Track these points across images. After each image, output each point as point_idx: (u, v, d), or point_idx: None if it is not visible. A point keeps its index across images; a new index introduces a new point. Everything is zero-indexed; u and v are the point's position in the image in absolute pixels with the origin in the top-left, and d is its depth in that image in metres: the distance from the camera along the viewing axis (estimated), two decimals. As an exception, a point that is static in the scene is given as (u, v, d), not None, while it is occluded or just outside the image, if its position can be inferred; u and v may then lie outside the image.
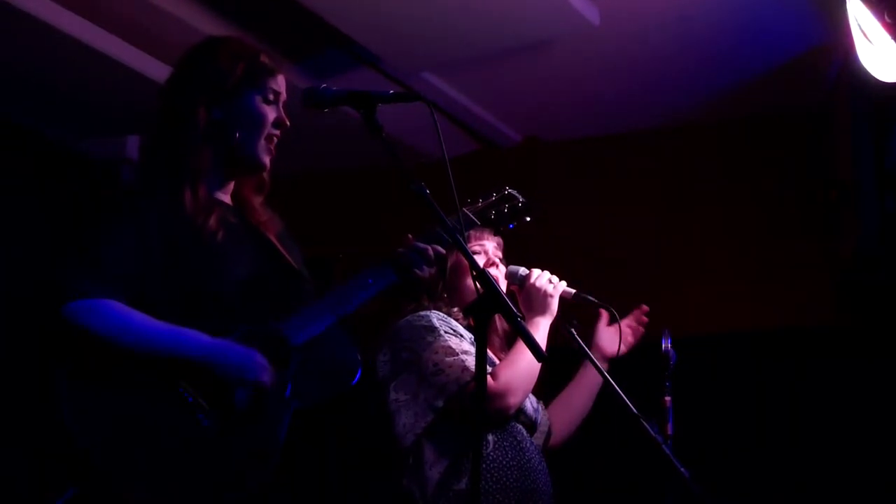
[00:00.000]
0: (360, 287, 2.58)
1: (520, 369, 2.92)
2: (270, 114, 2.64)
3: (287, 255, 2.67)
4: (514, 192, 2.99)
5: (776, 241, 5.06)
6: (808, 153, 5.02)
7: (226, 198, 2.68)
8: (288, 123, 2.67)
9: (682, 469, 2.93)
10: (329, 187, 5.77)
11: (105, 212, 2.50)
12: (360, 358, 2.57)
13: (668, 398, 3.19)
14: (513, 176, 5.05)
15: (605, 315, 3.37)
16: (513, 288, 3.18)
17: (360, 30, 4.26)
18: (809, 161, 5.00)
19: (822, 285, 4.87)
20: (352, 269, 2.66)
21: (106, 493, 2.24)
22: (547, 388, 3.28)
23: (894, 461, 4.58)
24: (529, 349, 2.29)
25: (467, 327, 3.07)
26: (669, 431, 3.14)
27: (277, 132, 2.66)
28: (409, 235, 2.67)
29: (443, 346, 2.92)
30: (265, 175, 2.72)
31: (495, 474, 2.88)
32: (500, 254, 3.23)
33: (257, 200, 2.73)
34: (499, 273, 3.17)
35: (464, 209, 2.84)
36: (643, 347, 3.36)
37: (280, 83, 2.68)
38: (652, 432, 2.97)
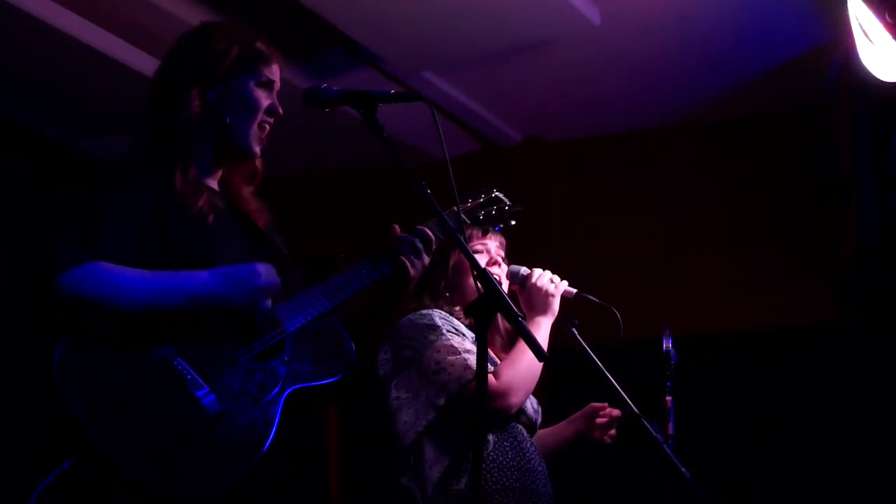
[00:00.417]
0: (355, 276, 2.57)
1: (521, 369, 2.92)
2: (264, 100, 2.60)
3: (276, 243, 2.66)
4: (502, 196, 2.98)
5: (776, 241, 5.06)
6: (808, 153, 5.03)
7: (213, 184, 2.64)
8: (281, 111, 2.63)
9: (682, 469, 2.93)
10: (329, 187, 5.77)
11: (100, 187, 2.49)
12: (354, 347, 2.56)
13: (669, 398, 3.20)
14: (513, 176, 5.09)
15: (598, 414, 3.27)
16: (514, 287, 3.17)
17: (361, 30, 4.26)
18: (810, 161, 5.00)
19: (822, 285, 4.87)
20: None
21: (100, 465, 2.21)
22: (547, 388, 3.27)
23: (894, 461, 4.58)
24: (530, 349, 2.28)
25: (469, 326, 3.06)
26: (670, 431, 3.14)
27: (270, 120, 2.63)
28: (396, 226, 2.66)
29: (445, 345, 2.92)
30: (257, 164, 2.68)
31: (495, 475, 2.88)
32: (502, 253, 3.22)
33: (247, 190, 2.69)
34: (500, 272, 3.17)
35: (453, 208, 2.83)
36: (644, 347, 3.36)
37: (275, 71, 2.64)
38: (653, 432, 2.97)
